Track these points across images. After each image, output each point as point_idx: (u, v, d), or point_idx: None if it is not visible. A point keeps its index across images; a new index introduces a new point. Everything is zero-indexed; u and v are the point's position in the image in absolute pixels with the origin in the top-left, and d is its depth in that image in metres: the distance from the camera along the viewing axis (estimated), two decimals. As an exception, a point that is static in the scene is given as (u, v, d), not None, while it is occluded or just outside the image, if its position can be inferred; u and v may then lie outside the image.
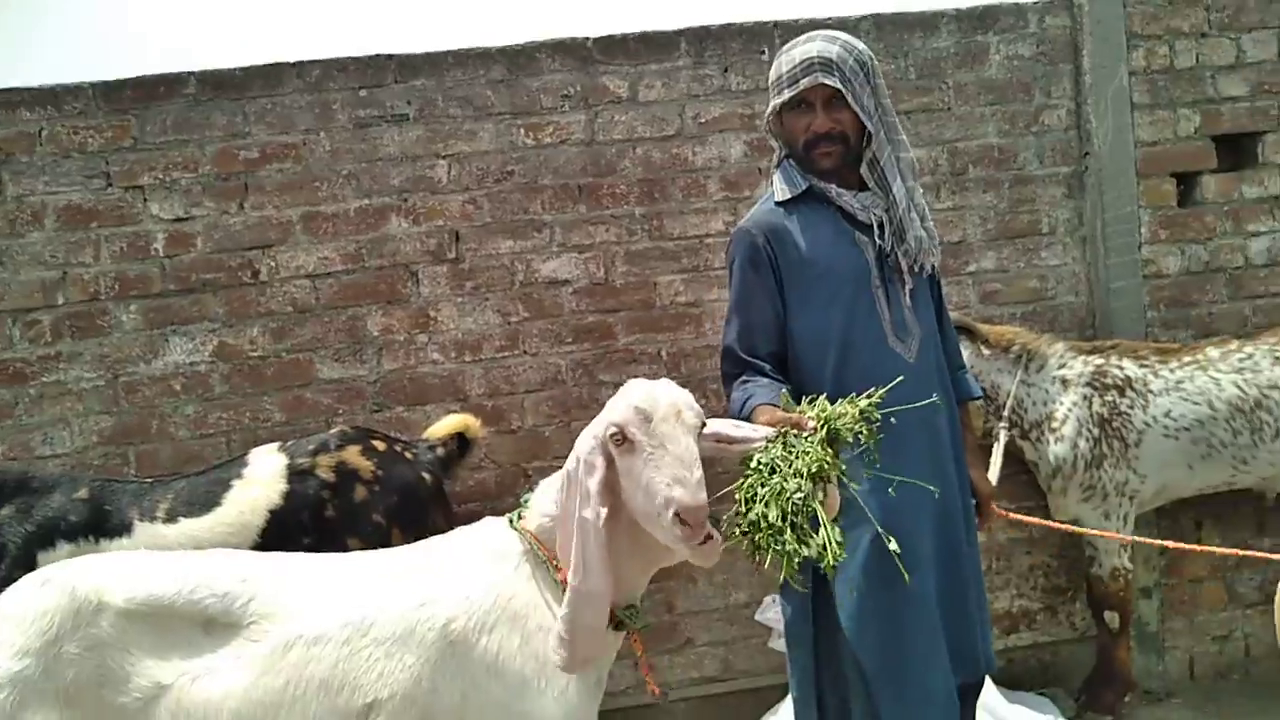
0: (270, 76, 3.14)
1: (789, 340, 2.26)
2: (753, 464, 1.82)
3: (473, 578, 1.89)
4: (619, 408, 1.81)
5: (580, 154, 3.25)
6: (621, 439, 1.78)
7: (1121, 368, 3.22)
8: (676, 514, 1.71)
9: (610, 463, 1.80)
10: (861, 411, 1.87)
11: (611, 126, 3.26)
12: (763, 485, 1.77)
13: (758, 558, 1.75)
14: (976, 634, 2.39)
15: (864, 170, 2.28)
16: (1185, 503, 3.40)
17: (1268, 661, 3.56)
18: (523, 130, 3.22)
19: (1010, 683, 3.40)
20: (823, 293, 2.23)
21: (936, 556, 2.30)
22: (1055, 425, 3.23)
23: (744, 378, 2.20)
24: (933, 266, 2.36)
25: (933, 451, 2.30)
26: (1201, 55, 3.38)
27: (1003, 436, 3.27)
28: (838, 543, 1.74)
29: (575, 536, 1.79)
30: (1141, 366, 3.22)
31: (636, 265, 3.28)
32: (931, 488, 2.10)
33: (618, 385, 3.17)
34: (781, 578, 1.77)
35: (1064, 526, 3.11)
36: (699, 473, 1.73)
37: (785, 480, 1.75)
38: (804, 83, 2.17)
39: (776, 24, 3.30)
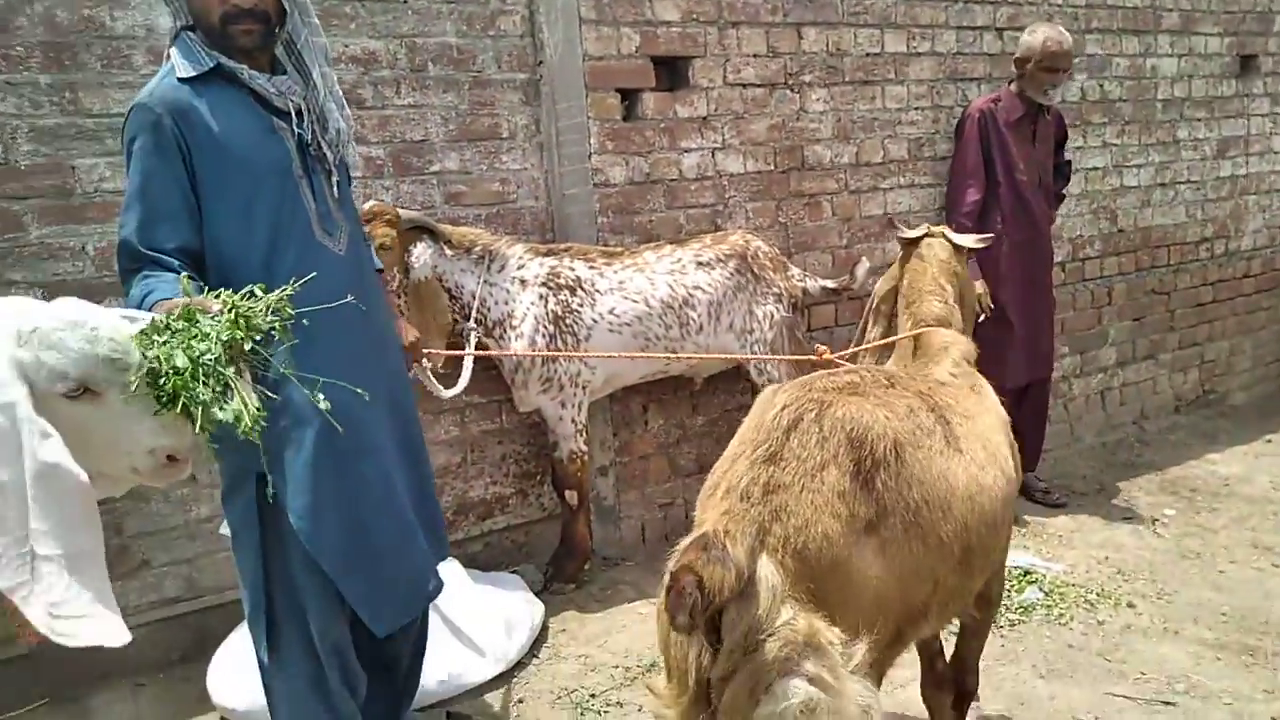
0: None
1: (209, 237, 2.08)
2: (147, 327, 1.67)
3: None
4: (74, 359, 1.55)
5: (-44, 5, 2.71)
6: (80, 392, 1.57)
7: (573, 269, 3.48)
8: (169, 456, 1.65)
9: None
10: (273, 305, 1.78)
11: (-1, -26, 2.75)
12: (160, 340, 1.64)
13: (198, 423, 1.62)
14: (439, 517, 2.49)
15: (280, 52, 2.18)
16: (632, 389, 3.82)
17: (701, 523, 4.16)
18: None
19: (488, 564, 3.62)
20: (243, 183, 2.09)
21: (398, 445, 2.34)
22: (515, 323, 3.42)
23: (145, 273, 1.98)
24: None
25: (372, 341, 2.31)
26: (641, -21, 3.68)
27: (473, 337, 3.40)
28: (257, 407, 1.66)
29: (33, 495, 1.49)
30: (590, 268, 3.51)
31: (46, 144, 2.84)
32: (361, 392, 2.02)
33: (34, 286, 2.82)
34: (201, 431, 1.64)
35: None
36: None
37: (191, 343, 1.64)
38: None
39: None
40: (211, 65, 2.07)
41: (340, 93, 2.27)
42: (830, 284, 3.94)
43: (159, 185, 2.02)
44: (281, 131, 2.14)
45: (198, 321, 1.68)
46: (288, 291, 1.82)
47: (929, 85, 4.47)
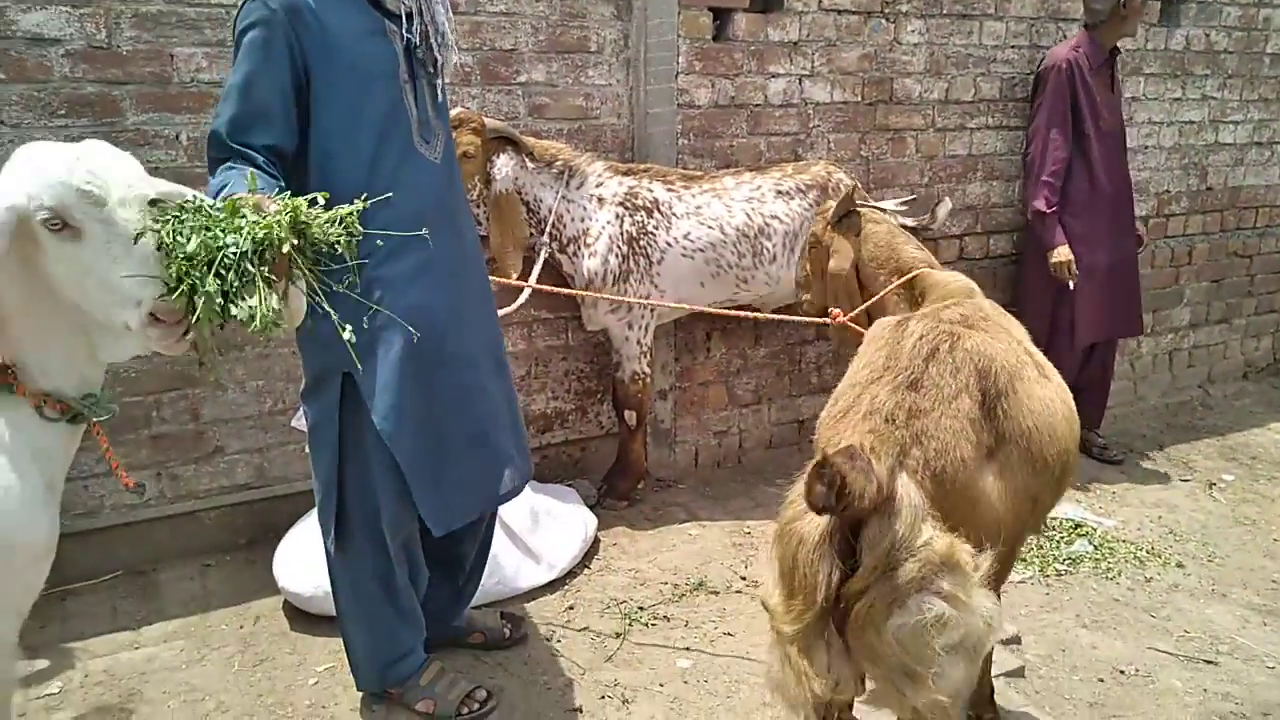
0: None
1: (315, 136, 2.09)
2: (168, 201, 1.66)
3: None
4: (50, 185, 1.55)
5: (71, -116, 2.70)
6: (60, 225, 1.57)
7: (651, 190, 3.46)
8: (151, 313, 1.59)
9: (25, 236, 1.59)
10: (341, 219, 1.76)
11: None
12: (186, 226, 1.61)
13: (191, 307, 1.61)
14: (523, 429, 2.54)
15: None
16: (697, 316, 3.82)
17: (755, 451, 4.21)
18: None
19: (545, 476, 3.70)
20: (353, 86, 2.09)
21: (489, 354, 2.40)
22: (590, 241, 3.42)
23: (230, 164, 1.99)
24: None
25: (461, 251, 2.34)
26: (741, -107, 3.56)
27: (544, 251, 3.41)
28: (273, 309, 1.64)
29: None
30: (669, 191, 3.48)
31: (149, 30, 2.85)
32: (413, 329, 2.08)
33: (127, 170, 2.87)
34: (204, 336, 1.64)
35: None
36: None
37: (221, 235, 1.62)
38: None
39: None
40: None
41: None
42: (909, 222, 3.85)
43: (262, 83, 2.01)
44: (391, 35, 2.13)
45: (241, 215, 1.65)
46: (356, 208, 1.78)
47: (1029, 23, 4.30)
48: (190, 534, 3.22)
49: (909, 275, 2.55)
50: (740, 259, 3.55)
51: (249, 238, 1.62)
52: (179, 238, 1.60)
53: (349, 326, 1.80)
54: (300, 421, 3.06)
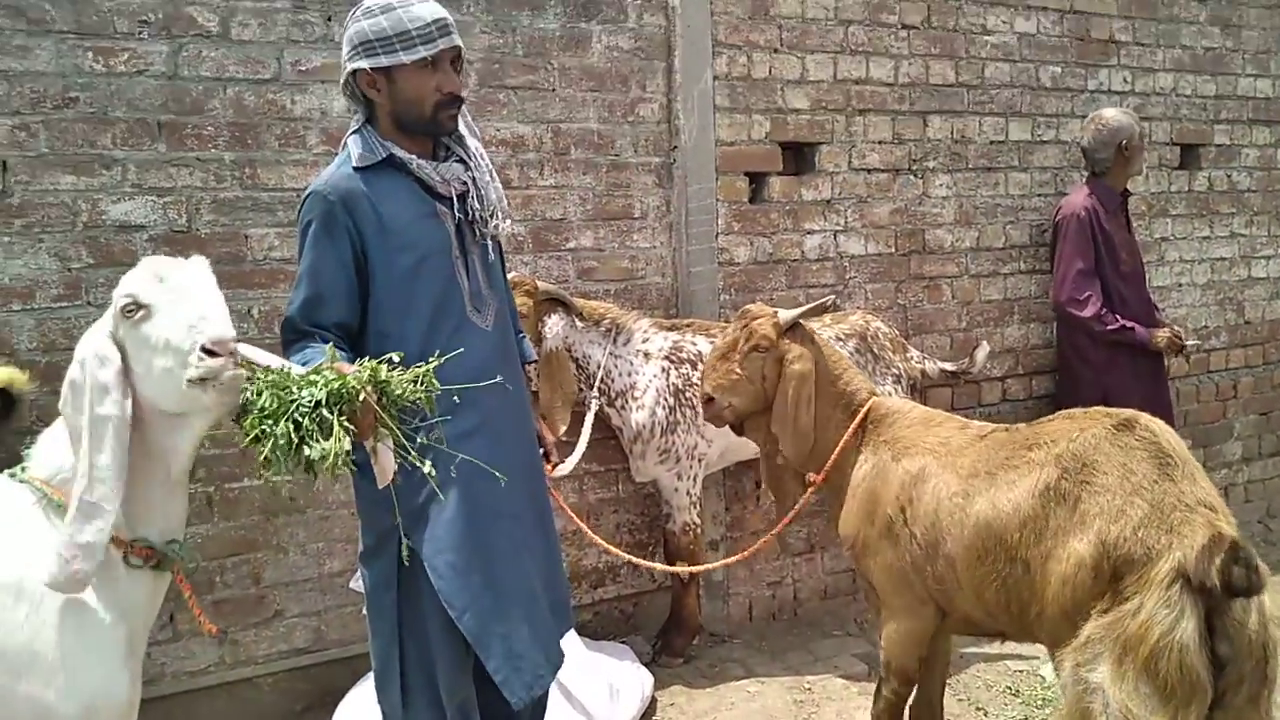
0: None
1: (373, 312, 2.21)
2: (269, 376, 1.80)
3: None
4: (128, 281, 1.80)
5: (160, 88, 2.97)
6: (136, 308, 1.76)
7: (695, 344, 3.56)
8: (204, 348, 1.71)
9: (123, 355, 1.78)
10: (419, 378, 1.88)
11: (198, 62, 3.02)
12: (264, 384, 1.76)
13: (262, 454, 1.73)
14: (566, 587, 2.54)
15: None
16: (745, 464, 3.85)
17: (810, 602, 4.14)
18: (90, 54, 2.88)
19: (597, 633, 3.66)
20: (407, 265, 2.22)
21: (534, 512, 2.42)
22: (637, 395, 3.50)
23: (304, 344, 2.12)
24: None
25: (513, 412, 2.41)
26: (774, 69, 3.82)
27: (594, 405, 3.50)
28: (347, 452, 1.74)
29: (84, 441, 1.70)
30: (711, 343, 3.58)
31: (225, 215, 3.08)
32: (499, 474, 2.13)
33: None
34: (281, 477, 1.75)
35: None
36: (224, 309, 1.79)
37: (298, 389, 1.75)
38: (441, 43, 2.17)
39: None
40: (384, 156, 2.22)
41: (492, 165, 2.40)
42: (949, 366, 3.93)
43: (326, 268, 2.16)
44: (443, 216, 2.27)
45: (321, 374, 1.78)
46: (432, 365, 1.89)
47: (1053, 173, 4.47)
48: (248, 700, 3.20)
49: (868, 403, 2.54)
50: (786, 407, 3.59)
51: (325, 389, 1.74)
52: (257, 396, 1.74)
53: (429, 461, 1.91)
54: (358, 583, 3.08)
